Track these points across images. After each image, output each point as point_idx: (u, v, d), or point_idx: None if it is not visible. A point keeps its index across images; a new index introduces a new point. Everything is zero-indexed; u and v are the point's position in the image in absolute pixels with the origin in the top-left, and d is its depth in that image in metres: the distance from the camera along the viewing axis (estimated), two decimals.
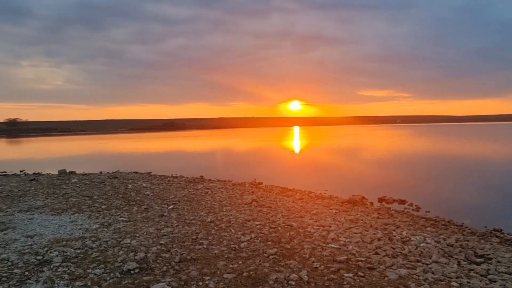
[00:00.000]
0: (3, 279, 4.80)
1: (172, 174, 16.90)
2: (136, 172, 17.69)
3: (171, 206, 9.38)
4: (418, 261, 5.71)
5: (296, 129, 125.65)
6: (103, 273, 5.00)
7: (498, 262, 5.90)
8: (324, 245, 6.32)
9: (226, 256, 5.69)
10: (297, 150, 37.84)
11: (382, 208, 10.23)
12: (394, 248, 6.25)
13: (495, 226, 8.43)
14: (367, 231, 7.36)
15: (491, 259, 6.06)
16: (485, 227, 8.51)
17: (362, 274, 5.07)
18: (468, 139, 47.86)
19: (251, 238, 6.62)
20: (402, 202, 11.26)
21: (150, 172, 17.52)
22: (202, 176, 16.17)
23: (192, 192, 11.58)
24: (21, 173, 18.08)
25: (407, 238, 6.90)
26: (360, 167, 21.30)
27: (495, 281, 5.02)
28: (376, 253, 5.97)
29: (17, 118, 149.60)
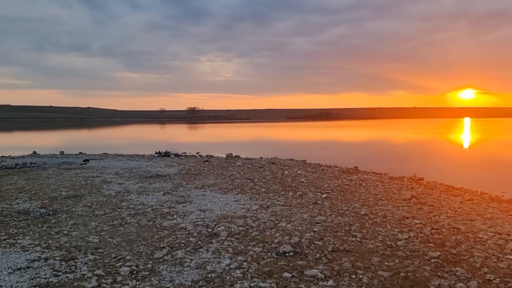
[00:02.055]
0: (181, 245, 5.66)
1: (326, 163, 17.01)
2: (292, 159, 18.41)
3: (325, 195, 9.46)
4: None
5: (467, 121, 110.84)
6: (261, 251, 5.40)
7: None
8: (501, 255, 5.43)
9: (381, 253, 5.45)
10: (467, 144, 33.38)
11: None
12: None
13: None
14: None
15: None
16: None
17: None
18: None
19: (409, 237, 6.18)
20: None
21: (305, 160, 17.97)
22: (356, 167, 15.78)
23: (346, 183, 11.43)
24: (197, 154, 20.84)
25: None
26: None
27: None
28: None
29: (196, 107, 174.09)
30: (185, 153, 21.21)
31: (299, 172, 13.56)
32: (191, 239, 5.92)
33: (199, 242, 5.77)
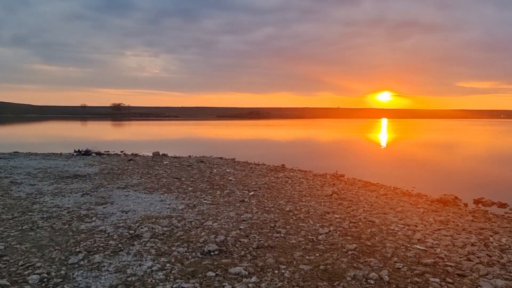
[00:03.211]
0: (100, 248, 5.35)
1: (254, 161, 17.25)
2: (221, 158, 18.39)
3: (252, 193, 9.58)
4: None
5: (384, 121, 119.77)
6: (185, 251, 5.29)
7: None
8: (409, 245, 5.93)
9: (303, 247, 5.64)
10: (384, 143, 36.07)
11: (478, 211, 9.28)
12: (490, 256, 5.63)
13: None
14: (459, 234, 6.74)
15: None
16: None
17: (450, 280, 4.66)
18: None
19: (329, 231, 6.48)
20: (502, 205, 10.09)
21: (234, 158, 18.07)
22: (283, 165, 16.23)
23: (273, 180, 11.69)
24: (122, 153, 19.91)
25: (507, 246, 6.16)
26: (454, 165, 19.59)
27: None
28: (468, 259, 5.44)
29: (121, 103, 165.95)
30: (108, 151, 20.15)
31: (228, 170, 13.59)
32: (110, 242, 5.62)
33: (120, 245, 5.50)
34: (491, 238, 6.61)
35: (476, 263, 5.28)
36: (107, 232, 6.05)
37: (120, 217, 6.95)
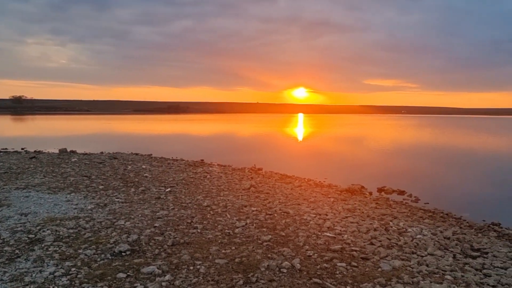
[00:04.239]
0: None
1: (172, 157, 16.86)
2: (136, 154, 17.66)
3: (169, 189, 9.34)
4: (413, 252, 5.64)
5: (301, 116, 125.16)
6: (94, 254, 4.97)
7: (494, 256, 5.82)
8: (319, 233, 6.26)
9: (219, 241, 5.64)
10: (300, 137, 37.68)
11: (381, 198, 10.15)
12: (389, 239, 6.18)
13: (493, 220, 8.32)
14: (364, 221, 7.30)
15: (487, 253, 5.98)
16: (484, 221, 8.41)
17: (355, 264, 5.01)
18: (473, 132, 47.57)
19: (246, 224, 6.57)
20: (401, 193, 11.17)
21: (151, 154, 17.48)
22: (202, 160, 16.11)
23: (191, 176, 11.53)
24: (22, 150, 18.09)
25: (404, 229, 6.83)
26: (361, 157, 21.17)
27: (489, 276, 4.94)
28: (371, 244, 5.91)
29: (23, 96, 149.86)
30: (5, 149, 18.16)
31: (144, 166, 13.08)
32: (6, 248, 5.05)
33: (17, 251, 4.97)
34: (391, 222, 7.27)
35: (378, 247, 5.76)
36: (2, 237, 5.43)
37: (18, 220, 6.29)
